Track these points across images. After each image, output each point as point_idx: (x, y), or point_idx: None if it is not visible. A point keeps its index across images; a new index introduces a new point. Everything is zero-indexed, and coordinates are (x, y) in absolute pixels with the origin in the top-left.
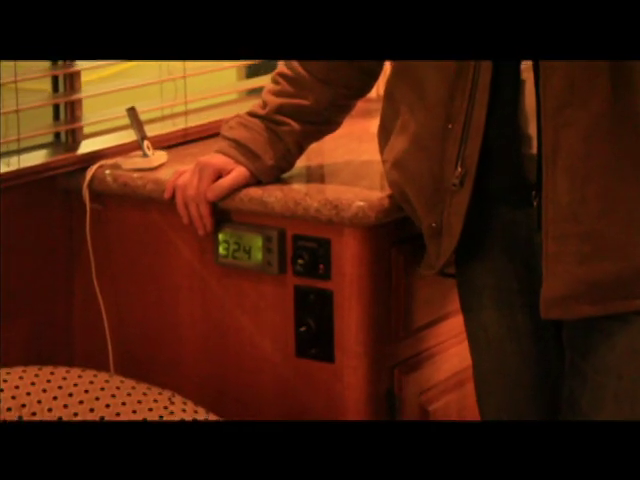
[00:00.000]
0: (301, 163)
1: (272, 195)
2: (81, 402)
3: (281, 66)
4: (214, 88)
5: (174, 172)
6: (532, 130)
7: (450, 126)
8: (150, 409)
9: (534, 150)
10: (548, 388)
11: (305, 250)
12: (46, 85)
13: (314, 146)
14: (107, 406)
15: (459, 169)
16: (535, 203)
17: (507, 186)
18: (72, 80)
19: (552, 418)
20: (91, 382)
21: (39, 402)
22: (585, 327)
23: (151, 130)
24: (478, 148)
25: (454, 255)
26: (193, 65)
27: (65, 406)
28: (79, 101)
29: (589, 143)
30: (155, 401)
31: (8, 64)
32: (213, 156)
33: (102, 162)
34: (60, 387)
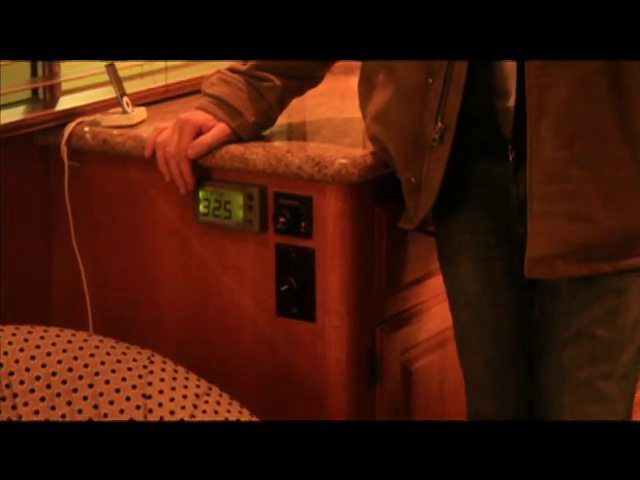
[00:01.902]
0: (283, 120)
1: (254, 152)
2: (59, 362)
3: None
4: None
5: (154, 129)
6: (509, 84)
7: (430, 81)
8: (129, 368)
9: (510, 104)
10: (525, 340)
11: (287, 208)
12: None
13: (296, 103)
14: (86, 366)
15: (439, 124)
16: (511, 157)
17: (484, 140)
18: None
19: (529, 372)
20: (69, 341)
21: (17, 362)
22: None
23: (131, 87)
24: (458, 103)
25: (432, 212)
26: None
27: (43, 365)
28: None
29: (574, 103)
30: (134, 360)
31: None
32: (194, 113)
33: (81, 119)
34: (38, 346)
